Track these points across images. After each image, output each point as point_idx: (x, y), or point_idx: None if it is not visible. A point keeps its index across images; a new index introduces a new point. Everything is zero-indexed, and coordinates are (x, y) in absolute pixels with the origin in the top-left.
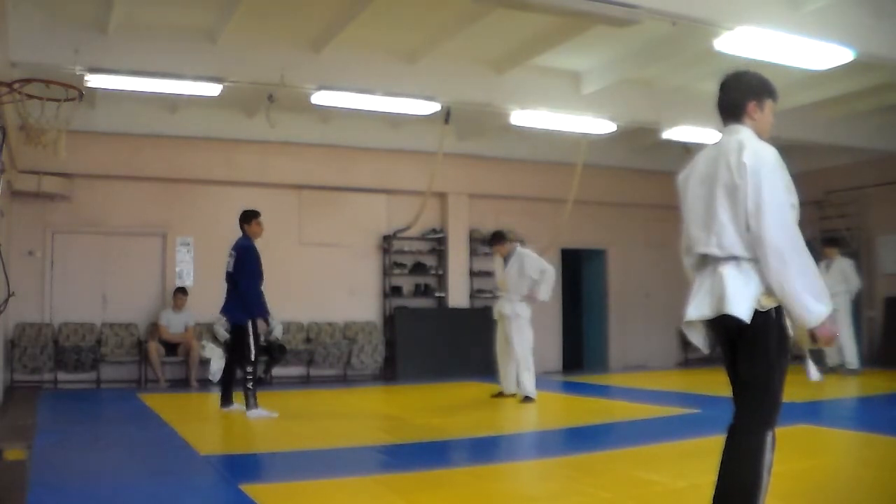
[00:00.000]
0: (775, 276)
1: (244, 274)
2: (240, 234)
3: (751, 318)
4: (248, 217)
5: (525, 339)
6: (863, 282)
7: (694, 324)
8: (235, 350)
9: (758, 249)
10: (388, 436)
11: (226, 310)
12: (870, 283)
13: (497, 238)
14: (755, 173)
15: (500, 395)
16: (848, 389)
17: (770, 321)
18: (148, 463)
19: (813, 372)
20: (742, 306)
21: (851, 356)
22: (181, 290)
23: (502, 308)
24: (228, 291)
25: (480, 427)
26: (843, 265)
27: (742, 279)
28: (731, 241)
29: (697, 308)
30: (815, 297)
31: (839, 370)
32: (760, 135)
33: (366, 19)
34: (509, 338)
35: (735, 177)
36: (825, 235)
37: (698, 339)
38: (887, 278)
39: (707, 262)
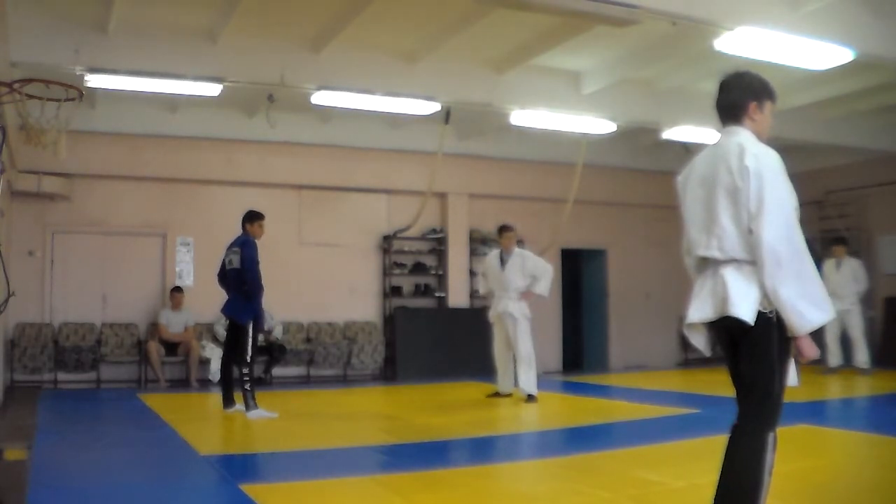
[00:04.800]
0: (770, 278)
1: (251, 263)
2: (238, 232)
3: (754, 319)
4: (252, 217)
5: (529, 338)
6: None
7: (695, 326)
8: (231, 348)
9: (756, 251)
10: (388, 436)
11: (228, 307)
12: (870, 282)
13: (506, 228)
14: (758, 176)
15: (496, 395)
16: (848, 389)
17: (772, 323)
18: (148, 463)
19: (792, 376)
20: (745, 308)
21: (864, 356)
22: (177, 290)
23: (506, 308)
24: (231, 289)
25: (480, 427)
26: (854, 265)
27: (744, 281)
28: (733, 244)
29: (699, 310)
30: (812, 303)
31: (846, 370)
32: (759, 136)
33: (366, 19)
34: (513, 338)
35: (736, 179)
36: (825, 235)
37: (700, 341)
38: (887, 278)
39: (707, 264)
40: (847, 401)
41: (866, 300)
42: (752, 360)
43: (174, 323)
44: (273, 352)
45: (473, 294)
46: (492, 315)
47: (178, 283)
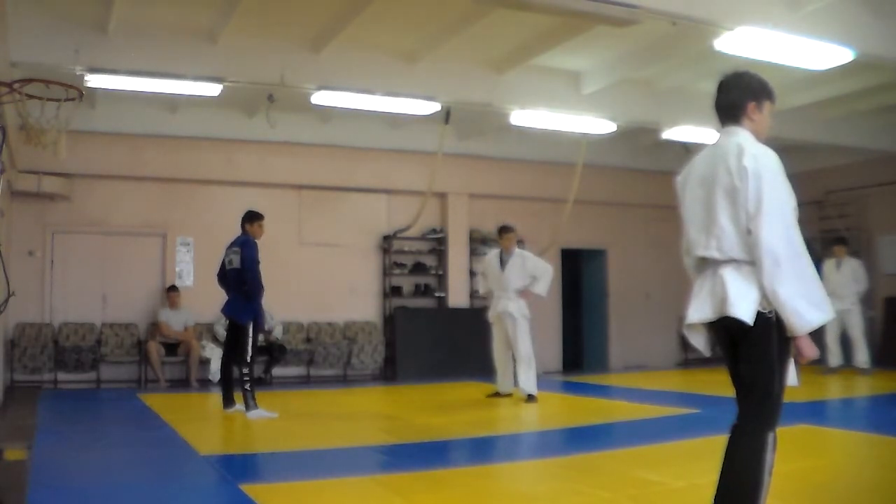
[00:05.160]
0: (768, 278)
1: (251, 263)
2: (238, 232)
3: (753, 319)
4: (252, 217)
5: (528, 338)
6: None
7: (695, 326)
8: (231, 348)
9: (755, 252)
10: (388, 436)
11: (228, 307)
12: (870, 283)
13: (507, 229)
14: (756, 177)
15: (496, 395)
16: (848, 389)
17: (771, 323)
18: (148, 463)
19: (792, 376)
20: (745, 308)
21: (864, 356)
22: (173, 289)
23: (506, 308)
24: (231, 289)
25: (480, 427)
26: (854, 265)
27: (743, 281)
28: (731, 244)
29: (698, 310)
30: (812, 303)
31: (846, 370)
32: (758, 136)
33: (366, 19)
34: (513, 337)
35: (735, 180)
36: (825, 235)
37: (699, 341)
38: (887, 278)
39: (707, 264)
40: (847, 401)
41: (866, 300)
42: (751, 361)
43: (174, 322)
44: (273, 352)
45: (473, 294)
46: (491, 315)
47: (177, 283)
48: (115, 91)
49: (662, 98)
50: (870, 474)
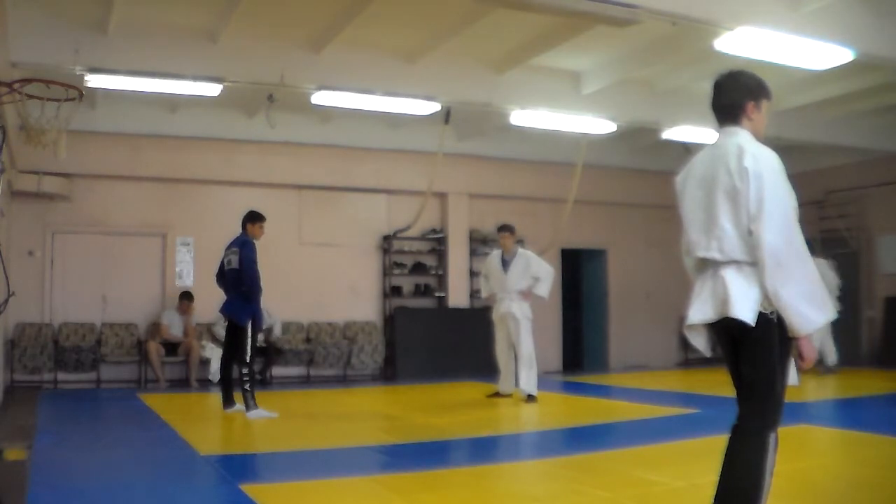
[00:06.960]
0: (770, 279)
1: (249, 263)
2: (238, 232)
3: (755, 320)
4: (254, 218)
5: (531, 339)
6: (861, 281)
7: (696, 327)
8: (231, 348)
9: (756, 252)
10: (388, 436)
11: (227, 308)
12: (870, 283)
13: (506, 228)
14: (757, 177)
15: (497, 394)
16: (848, 389)
17: (773, 324)
18: (148, 463)
19: (793, 376)
20: (746, 309)
21: (832, 356)
22: (187, 296)
23: (509, 309)
24: (229, 289)
25: (480, 427)
26: (821, 265)
27: (744, 282)
28: (732, 245)
29: (699, 311)
30: (814, 303)
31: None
32: (757, 136)
33: (366, 19)
34: (515, 338)
35: (736, 181)
36: (826, 235)
37: (700, 342)
38: (887, 278)
39: (707, 265)
40: (847, 401)
41: (865, 300)
42: (753, 361)
43: (176, 324)
44: (270, 353)
45: (473, 294)
46: (495, 316)
47: (177, 283)
48: (115, 91)
49: (662, 98)
50: (869, 474)
